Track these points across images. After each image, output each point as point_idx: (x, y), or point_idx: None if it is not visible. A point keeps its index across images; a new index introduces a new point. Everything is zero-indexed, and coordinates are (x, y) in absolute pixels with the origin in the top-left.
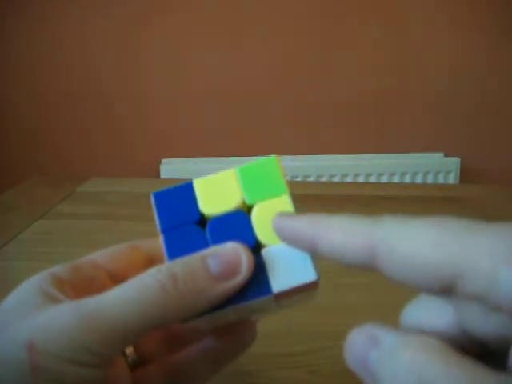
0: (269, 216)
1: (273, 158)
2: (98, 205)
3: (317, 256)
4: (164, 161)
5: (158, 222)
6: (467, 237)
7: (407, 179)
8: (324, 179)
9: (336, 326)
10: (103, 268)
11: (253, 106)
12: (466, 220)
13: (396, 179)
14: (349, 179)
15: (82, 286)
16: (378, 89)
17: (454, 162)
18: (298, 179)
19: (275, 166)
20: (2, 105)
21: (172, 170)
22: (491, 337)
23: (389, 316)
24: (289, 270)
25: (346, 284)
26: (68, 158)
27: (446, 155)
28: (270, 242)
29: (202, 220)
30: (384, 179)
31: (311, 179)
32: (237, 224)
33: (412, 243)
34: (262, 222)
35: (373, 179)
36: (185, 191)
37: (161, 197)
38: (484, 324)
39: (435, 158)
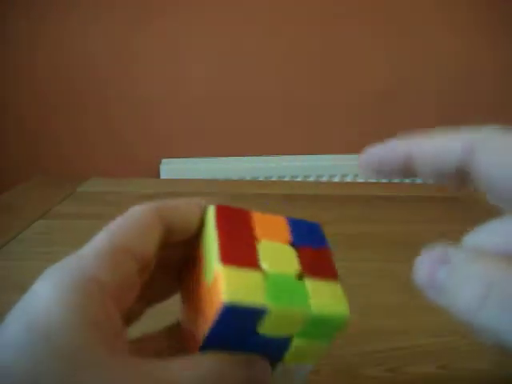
0: (303, 350)
1: (343, 315)
2: (98, 205)
3: (414, 174)
4: (164, 161)
5: (210, 328)
6: None
7: (407, 179)
8: (324, 179)
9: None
10: (136, 258)
11: (253, 106)
12: None
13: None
14: (349, 179)
15: (118, 290)
16: (378, 89)
17: None
18: (298, 179)
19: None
20: (2, 105)
21: (172, 170)
22: None
23: (391, 317)
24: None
25: (348, 285)
26: (68, 158)
27: None
28: (289, 363)
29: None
30: (384, 179)
31: (311, 179)
32: (276, 344)
33: (510, 147)
34: (296, 352)
35: (373, 179)
36: (255, 313)
37: (230, 311)
38: None
39: None
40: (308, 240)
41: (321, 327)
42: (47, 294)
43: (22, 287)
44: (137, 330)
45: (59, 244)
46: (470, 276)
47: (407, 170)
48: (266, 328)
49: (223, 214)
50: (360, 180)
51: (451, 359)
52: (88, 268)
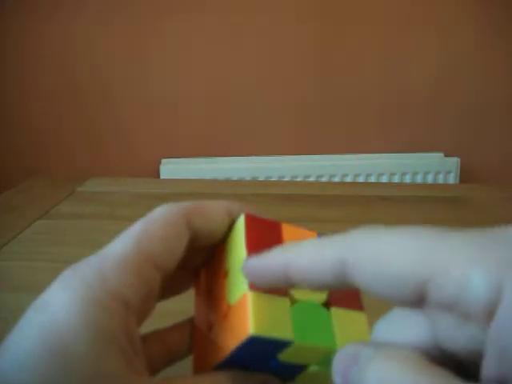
0: (316, 378)
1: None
2: (99, 205)
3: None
4: (164, 161)
5: (231, 354)
6: (438, 243)
7: (407, 179)
8: (324, 179)
9: None
10: (160, 268)
11: (253, 106)
12: (439, 228)
13: (396, 179)
14: (349, 179)
15: (142, 304)
16: (377, 89)
17: (453, 162)
18: (298, 179)
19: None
20: (2, 105)
21: (172, 169)
22: (464, 350)
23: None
24: None
25: None
26: (68, 158)
27: (446, 155)
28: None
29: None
30: (384, 179)
31: (311, 179)
32: (292, 369)
33: (382, 251)
34: (309, 377)
35: (373, 179)
36: (280, 345)
37: (254, 341)
38: (456, 336)
39: (435, 158)
40: None
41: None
42: (66, 309)
43: (22, 287)
44: (147, 327)
45: (59, 244)
46: (370, 377)
47: (287, 281)
48: (287, 356)
49: (253, 226)
50: (360, 180)
51: None
52: (112, 282)
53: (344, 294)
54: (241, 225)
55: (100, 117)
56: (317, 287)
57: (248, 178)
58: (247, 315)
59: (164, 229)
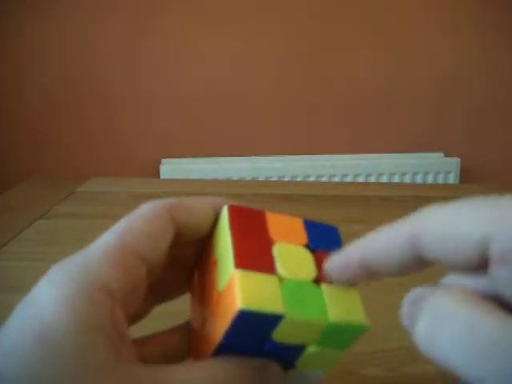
0: (317, 357)
1: (362, 325)
2: (98, 205)
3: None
4: (164, 161)
5: (224, 334)
6: (492, 204)
7: (407, 179)
8: (324, 179)
9: None
10: (145, 261)
11: (253, 106)
12: (495, 196)
13: (396, 179)
14: (349, 179)
15: (127, 295)
16: (378, 89)
17: (453, 161)
18: (298, 179)
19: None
20: (2, 105)
21: (172, 169)
22: None
23: (391, 317)
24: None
25: None
26: (68, 158)
27: (446, 155)
28: (301, 369)
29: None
30: (384, 179)
31: (311, 179)
32: (290, 351)
33: (445, 219)
34: (309, 359)
35: (373, 179)
36: (271, 320)
37: (245, 316)
38: None
39: (435, 158)
40: (325, 244)
41: (337, 336)
42: (53, 303)
43: (22, 287)
44: (145, 330)
45: (59, 244)
46: (422, 309)
47: (368, 272)
48: (281, 334)
49: (237, 215)
50: (360, 180)
51: None
52: (97, 274)
53: None
54: (225, 215)
55: (100, 117)
56: (395, 267)
57: (248, 178)
58: (235, 293)
59: (148, 223)
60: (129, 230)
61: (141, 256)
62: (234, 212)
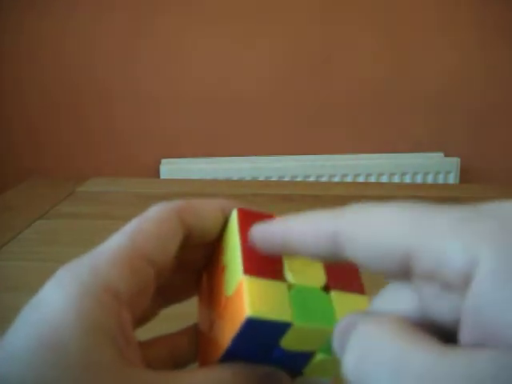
0: (324, 366)
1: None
2: (98, 205)
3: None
4: (164, 161)
5: (232, 340)
6: (422, 216)
7: (407, 179)
8: (324, 179)
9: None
10: (153, 264)
11: (253, 106)
12: (426, 203)
13: (396, 179)
14: (349, 179)
15: (135, 298)
16: (377, 89)
17: (453, 161)
18: (298, 179)
19: None
20: (2, 105)
21: (172, 170)
22: (448, 319)
23: None
24: None
25: None
26: (68, 158)
27: (446, 155)
28: (308, 376)
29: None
30: (384, 179)
31: (311, 179)
32: (298, 359)
33: (370, 226)
34: (317, 366)
35: (373, 179)
36: (279, 328)
37: (253, 324)
38: (440, 306)
39: (435, 158)
40: None
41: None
42: (59, 305)
43: (22, 287)
44: (152, 331)
45: (59, 244)
46: (350, 340)
47: (286, 248)
48: (289, 342)
49: (246, 219)
50: (360, 180)
51: None
52: (104, 276)
53: (344, 277)
54: (234, 219)
55: (100, 117)
56: (312, 256)
57: (248, 178)
58: (243, 299)
59: (157, 226)
60: (139, 231)
61: (149, 258)
62: (244, 216)
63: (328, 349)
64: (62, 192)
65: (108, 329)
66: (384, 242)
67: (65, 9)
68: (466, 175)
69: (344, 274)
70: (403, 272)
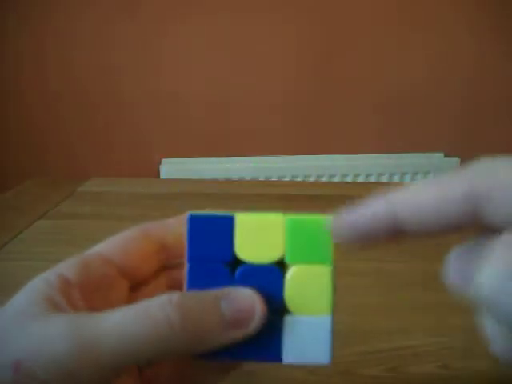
0: (303, 283)
1: (328, 218)
2: (98, 205)
3: (403, 235)
4: (164, 161)
5: (187, 249)
6: None
7: (407, 179)
8: (324, 179)
9: (335, 325)
10: (113, 263)
11: (253, 106)
12: None
13: (396, 179)
14: (349, 179)
15: (90, 285)
16: (377, 89)
17: (453, 162)
18: (298, 179)
19: (328, 229)
20: (3, 105)
21: (172, 170)
22: None
23: (391, 317)
24: (305, 345)
25: (344, 285)
26: (68, 158)
27: (446, 155)
28: (297, 311)
29: (234, 260)
30: (384, 179)
31: (311, 179)
32: (269, 280)
33: (507, 183)
34: (294, 287)
35: (373, 179)
36: (224, 224)
37: (197, 222)
38: None
39: (435, 158)
40: None
41: (306, 240)
42: (19, 295)
43: (22, 287)
44: None
45: (59, 244)
46: (495, 250)
47: (393, 232)
48: (244, 248)
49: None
50: (360, 180)
51: (451, 359)
52: (59, 268)
53: None
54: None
55: (100, 117)
56: (437, 227)
57: (248, 178)
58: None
59: (120, 235)
60: (104, 242)
61: (106, 259)
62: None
63: (291, 252)
64: (63, 192)
65: (47, 294)
66: None
67: (70, 10)
68: None
69: None
70: None
